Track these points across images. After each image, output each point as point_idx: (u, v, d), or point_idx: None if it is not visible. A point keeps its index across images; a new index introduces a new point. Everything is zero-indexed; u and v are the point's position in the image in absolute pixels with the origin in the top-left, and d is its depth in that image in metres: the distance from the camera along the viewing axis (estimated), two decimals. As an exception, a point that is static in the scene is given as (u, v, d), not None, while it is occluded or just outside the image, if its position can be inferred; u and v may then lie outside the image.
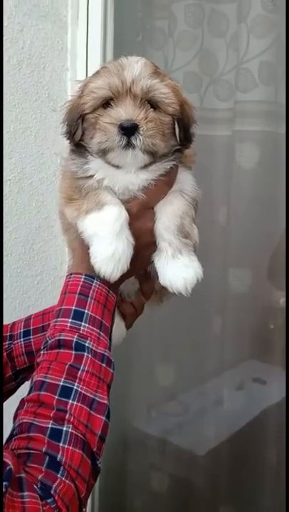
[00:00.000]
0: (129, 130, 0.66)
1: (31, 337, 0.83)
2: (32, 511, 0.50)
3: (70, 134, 0.72)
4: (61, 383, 0.61)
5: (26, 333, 0.83)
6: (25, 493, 0.51)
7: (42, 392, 0.61)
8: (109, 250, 0.66)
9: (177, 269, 0.70)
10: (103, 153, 0.69)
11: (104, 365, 0.64)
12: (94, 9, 1.30)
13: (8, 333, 0.84)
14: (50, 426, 0.58)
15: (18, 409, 0.62)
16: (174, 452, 1.53)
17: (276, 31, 1.20)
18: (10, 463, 0.51)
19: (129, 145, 0.67)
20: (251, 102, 1.26)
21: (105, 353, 0.65)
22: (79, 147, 0.73)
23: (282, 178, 1.20)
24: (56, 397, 0.60)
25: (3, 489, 0.48)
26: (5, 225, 1.25)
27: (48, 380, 0.61)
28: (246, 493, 1.45)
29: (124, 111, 0.67)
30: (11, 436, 0.59)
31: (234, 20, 1.26)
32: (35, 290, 1.33)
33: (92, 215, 0.68)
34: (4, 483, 0.48)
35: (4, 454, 0.52)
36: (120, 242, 0.67)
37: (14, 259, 1.28)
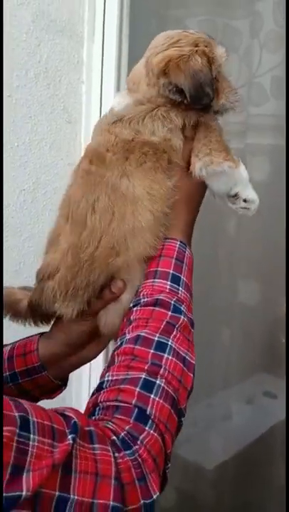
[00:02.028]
0: None
1: (20, 381, 0.79)
2: (103, 463, 0.49)
3: (201, 97, 0.73)
4: (156, 338, 0.62)
5: (13, 377, 0.78)
6: (96, 446, 0.51)
7: (137, 346, 0.61)
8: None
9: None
10: (223, 112, 0.77)
11: (192, 330, 0.67)
12: (109, 25, 1.33)
13: None
14: (143, 377, 0.58)
15: (109, 365, 0.62)
16: (181, 465, 1.52)
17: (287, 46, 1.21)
18: (74, 416, 0.52)
19: None
20: (263, 115, 1.28)
21: (193, 319, 0.67)
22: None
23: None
24: (152, 351, 0.60)
25: (71, 441, 0.48)
26: (18, 233, 1.27)
27: (143, 335, 0.62)
28: (254, 510, 1.43)
29: None
30: (99, 388, 0.60)
31: (247, 35, 1.28)
32: (47, 298, 1.34)
33: (242, 164, 0.77)
34: (72, 436, 0.49)
35: (67, 409, 0.54)
36: None
37: (27, 268, 1.30)
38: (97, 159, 0.71)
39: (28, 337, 0.81)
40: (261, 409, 1.48)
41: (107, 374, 0.61)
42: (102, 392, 0.59)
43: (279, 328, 1.39)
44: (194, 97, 0.71)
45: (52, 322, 0.80)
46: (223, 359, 1.44)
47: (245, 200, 0.77)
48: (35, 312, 0.77)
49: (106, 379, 0.60)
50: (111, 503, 0.48)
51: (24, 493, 0.43)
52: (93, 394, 0.61)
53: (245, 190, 0.77)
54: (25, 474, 0.44)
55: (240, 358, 1.43)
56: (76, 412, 0.54)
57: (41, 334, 0.81)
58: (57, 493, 0.46)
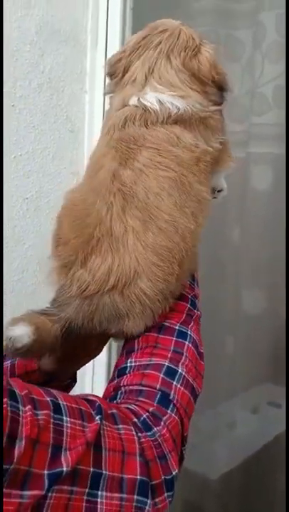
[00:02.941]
0: None
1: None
2: (128, 441, 0.54)
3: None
4: (177, 328, 0.65)
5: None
6: (120, 426, 0.55)
7: (161, 335, 0.64)
8: None
9: None
10: None
11: (200, 323, 0.71)
12: (112, 34, 1.34)
13: None
14: (166, 365, 0.61)
15: (129, 350, 0.65)
16: (186, 475, 1.51)
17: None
18: (97, 400, 0.56)
19: None
20: (265, 124, 1.28)
21: (201, 313, 0.71)
22: None
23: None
24: (174, 338, 0.64)
25: (98, 421, 0.53)
26: (21, 242, 1.27)
27: (167, 324, 0.66)
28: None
29: None
30: (122, 373, 0.63)
31: (250, 45, 1.29)
32: (49, 307, 1.34)
33: None
34: (99, 416, 0.53)
35: (89, 395, 0.58)
36: None
37: (29, 276, 1.30)
38: (175, 157, 0.65)
39: None
40: (266, 418, 1.47)
41: (130, 360, 0.63)
42: (124, 376, 0.62)
43: (284, 337, 1.38)
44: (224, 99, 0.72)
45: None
46: (227, 368, 1.43)
47: (219, 191, 0.77)
48: (69, 337, 0.63)
49: (128, 364, 0.63)
50: (138, 477, 0.53)
51: (65, 469, 0.48)
52: (113, 379, 0.64)
53: (222, 181, 0.78)
54: (63, 453, 0.48)
55: (245, 368, 1.42)
56: (98, 397, 0.58)
57: None
58: (91, 469, 0.50)
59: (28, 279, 1.29)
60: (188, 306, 0.69)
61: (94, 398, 0.56)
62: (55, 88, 1.29)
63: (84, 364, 0.79)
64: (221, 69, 0.71)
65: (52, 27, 1.25)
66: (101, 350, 0.78)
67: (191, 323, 0.68)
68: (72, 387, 0.81)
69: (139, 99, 0.68)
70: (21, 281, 1.28)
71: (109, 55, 1.35)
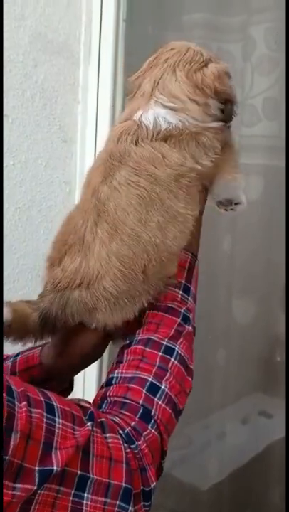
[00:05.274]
0: None
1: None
2: (115, 449, 0.56)
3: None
4: (165, 343, 0.67)
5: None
6: (108, 435, 0.57)
7: (147, 349, 0.66)
8: None
9: None
10: None
11: (194, 337, 0.71)
12: (105, 46, 1.36)
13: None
14: (150, 380, 0.63)
15: (119, 360, 0.68)
16: (176, 486, 1.50)
17: (280, 69, 1.25)
18: (90, 407, 0.59)
19: None
20: (255, 136, 1.30)
21: (195, 327, 0.72)
22: None
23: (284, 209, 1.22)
24: (160, 353, 0.65)
25: (90, 427, 0.55)
26: (13, 251, 1.27)
27: (154, 338, 0.67)
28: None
29: None
30: (109, 383, 0.65)
31: (240, 58, 1.31)
32: (41, 316, 1.34)
33: None
34: (90, 423, 0.56)
35: (82, 401, 0.61)
36: None
37: (21, 285, 1.30)
38: (150, 175, 0.68)
39: (26, 351, 0.78)
40: (257, 429, 1.47)
41: (117, 371, 0.66)
42: (111, 387, 0.64)
43: (274, 347, 1.39)
44: (232, 114, 0.74)
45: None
46: (217, 379, 1.43)
47: (236, 203, 0.78)
48: (47, 326, 0.70)
49: (115, 375, 0.65)
50: (123, 484, 0.55)
51: (55, 468, 0.50)
52: (102, 387, 0.66)
53: (239, 194, 0.78)
54: (53, 451, 0.51)
55: (235, 378, 1.42)
56: (90, 403, 0.61)
57: (42, 347, 0.78)
58: (78, 472, 0.52)
59: (20, 288, 1.29)
60: (179, 321, 0.69)
61: (87, 405, 0.59)
62: (48, 98, 1.30)
63: (82, 366, 0.78)
64: (226, 81, 0.72)
65: (45, 38, 1.27)
66: (99, 352, 0.77)
67: (180, 339, 0.68)
68: (69, 393, 0.82)
69: (142, 114, 0.70)
70: (12, 291, 1.27)
71: (101, 67, 1.38)
